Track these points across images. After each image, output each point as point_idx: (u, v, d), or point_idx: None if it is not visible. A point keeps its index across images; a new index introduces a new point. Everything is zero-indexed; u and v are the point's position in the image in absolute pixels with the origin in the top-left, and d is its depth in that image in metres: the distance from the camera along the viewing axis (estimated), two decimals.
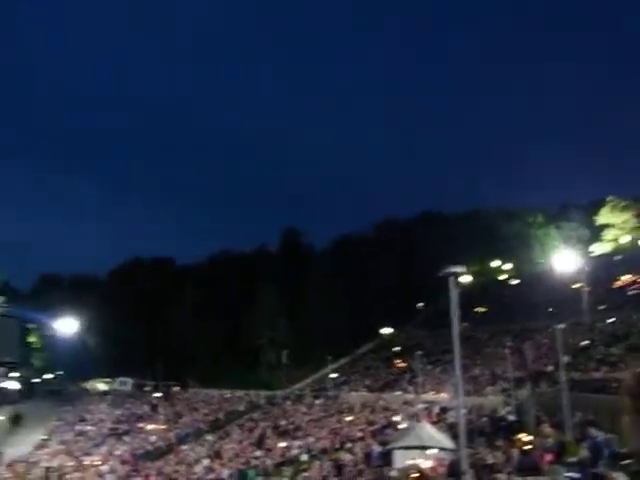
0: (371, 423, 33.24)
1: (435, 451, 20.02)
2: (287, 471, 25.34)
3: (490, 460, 15.92)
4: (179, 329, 65.97)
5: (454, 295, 10.43)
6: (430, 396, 38.17)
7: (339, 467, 23.38)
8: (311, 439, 31.29)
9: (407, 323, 66.24)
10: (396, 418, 33.35)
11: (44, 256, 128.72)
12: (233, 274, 74.37)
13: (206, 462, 28.02)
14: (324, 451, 28.98)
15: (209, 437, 36.10)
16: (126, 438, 36.83)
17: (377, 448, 25.31)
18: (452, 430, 22.46)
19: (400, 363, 54.49)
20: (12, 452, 33.30)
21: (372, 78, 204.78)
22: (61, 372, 66.55)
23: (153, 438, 36.21)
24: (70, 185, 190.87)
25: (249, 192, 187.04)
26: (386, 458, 22.60)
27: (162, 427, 39.56)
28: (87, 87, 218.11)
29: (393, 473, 19.89)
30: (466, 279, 55.44)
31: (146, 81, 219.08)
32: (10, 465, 28.22)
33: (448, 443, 19.84)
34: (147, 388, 60.62)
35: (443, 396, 36.74)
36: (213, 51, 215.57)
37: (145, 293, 70.88)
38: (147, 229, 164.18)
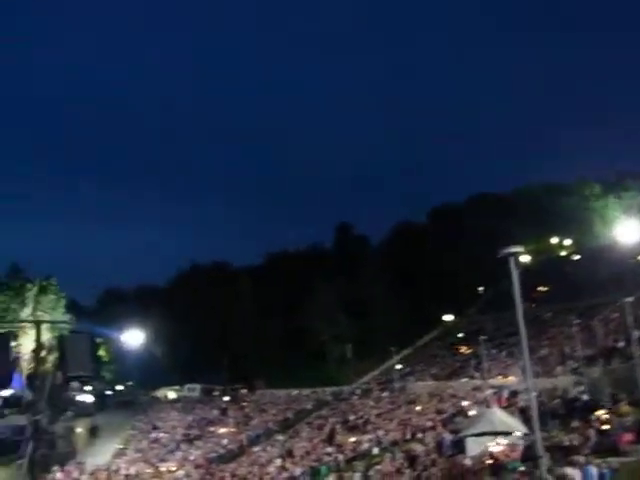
0: (440, 412, 32.93)
1: (508, 436, 19.64)
2: (359, 465, 25.25)
3: (566, 442, 15.50)
4: (242, 332, 66.69)
5: (515, 276, 10.19)
6: (498, 381, 37.59)
7: (411, 458, 23.18)
8: (381, 432, 31.18)
9: (468, 308, 65.37)
10: (465, 405, 32.97)
11: (107, 271, 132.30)
12: (290, 273, 74.74)
13: (278, 462, 28.22)
14: (395, 443, 28.82)
15: (279, 437, 36.38)
16: (198, 443, 37.45)
17: (448, 437, 25.01)
18: (524, 414, 22.03)
19: (465, 349, 53.87)
20: (92, 461, 34.37)
21: (415, 67, 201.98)
22: (131, 383, 68.17)
23: (225, 441, 36.72)
24: (129, 197, 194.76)
25: (300, 190, 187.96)
26: (458, 446, 22.31)
27: (232, 430, 40.08)
28: (145, 96, 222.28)
29: (467, 461, 19.60)
30: (525, 259, 54.27)
31: (190, 83, 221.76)
32: (92, 473, 29.11)
33: (521, 427, 19.44)
34: (215, 393, 61.47)
35: (511, 380, 36.13)
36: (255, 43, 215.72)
37: (205, 298, 71.84)
38: (203, 235, 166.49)
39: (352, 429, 34.46)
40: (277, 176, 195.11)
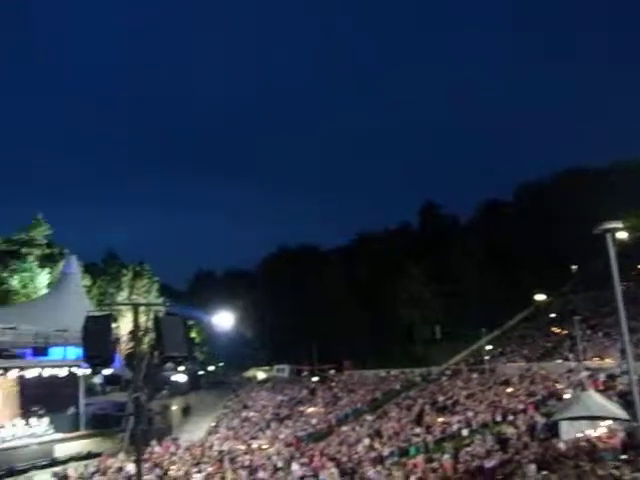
0: (532, 394, 32.06)
1: (606, 422, 18.81)
2: (448, 447, 24.96)
3: None
4: (331, 313, 67.12)
5: (612, 253, 9.64)
6: (593, 363, 36.18)
7: (502, 441, 22.68)
8: (470, 413, 30.68)
9: (561, 288, 63.15)
10: (559, 388, 31.96)
11: (198, 256, 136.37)
12: (378, 254, 74.48)
13: (367, 441, 28.25)
14: (485, 425, 28.31)
15: (368, 417, 36.43)
16: (288, 422, 38.06)
17: (541, 420, 24.32)
18: (623, 398, 21.06)
19: (558, 330, 52.21)
20: (187, 437, 35.75)
21: (496, 48, 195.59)
22: (222, 363, 70.20)
23: (314, 421, 37.13)
24: (220, 183, 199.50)
25: (385, 171, 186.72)
26: (552, 430, 21.64)
27: (321, 410, 40.49)
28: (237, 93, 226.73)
29: (561, 445, 18.96)
30: (622, 235, 51.69)
31: (275, 76, 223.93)
32: (187, 449, 30.18)
33: (621, 413, 18.52)
34: (304, 373, 62.34)
35: (608, 362, 34.68)
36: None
37: (294, 281, 72.76)
38: (291, 217, 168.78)
39: (441, 410, 34.09)
40: (363, 158, 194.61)
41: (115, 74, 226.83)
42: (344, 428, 34.39)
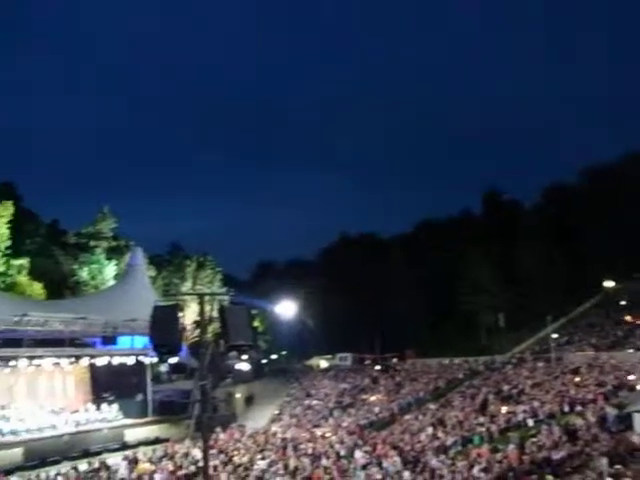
0: (601, 384, 31.14)
1: None
2: (514, 437, 24.51)
3: None
4: (393, 301, 66.80)
5: None
6: None
7: (571, 432, 22.13)
8: (536, 403, 30.04)
9: (633, 274, 60.90)
10: (631, 378, 30.96)
11: (260, 245, 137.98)
12: (440, 241, 73.54)
13: (430, 430, 28.07)
14: (551, 415, 27.66)
15: (431, 406, 36.18)
16: (350, 410, 38.18)
17: (612, 411, 23.62)
18: None
19: (629, 318, 50.56)
20: (251, 425, 36.37)
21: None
22: (285, 352, 70.90)
23: (376, 409, 37.12)
24: (281, 173, 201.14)
25: (446, 157, 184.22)
26: (625, 422, 20.99)
27: (384, 398, 40.43)
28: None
29: (635, 438, 18.37)
30: None
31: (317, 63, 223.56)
32: (251, 436, 30.70)
33: None
34: (366, 362, 62.32)
35: None
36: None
37: (355, 269, 72.67)
38: (352, 206, 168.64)
39: (506, 399, 33.52)
40: (423, 146, 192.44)
41: (178, 68, 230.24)
42: (407, 417, 34.27)
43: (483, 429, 27.03)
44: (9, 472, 25.62)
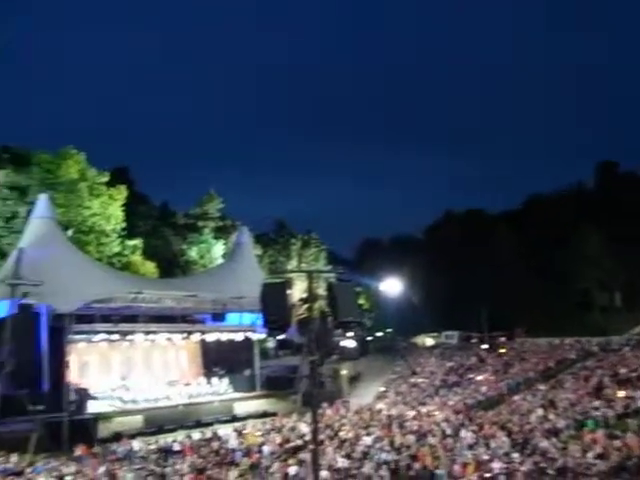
0: None
1: None
2: (633, 424, 23.25)
3: None
4: (500, 279, 65.11)
5: None
6: None
7: None
8: None
9: None
10: None
11: (364, 222, 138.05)
12: (550, 216, 70.69)
13: (540, 412, 27.17)
14: None
15: (541, 387, 35.01)
16: (457, 389, 37.66)
17: None
18: None
19: None
20: (356, 401, 36.68)
21: None
22: (390, 329, 70.78)
23: (483, 388, 36.40)
24: (383, 151, 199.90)
25: (553, 130, 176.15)
26: None
27: (491, 377, 39.58)
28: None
29: None
30: None
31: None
32: (357, 412, 30.98)
33: None
34: (473, 340, 61.22)
35: None
36: None
37: (461, 246, 71.32)
38: (457, 182, 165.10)
39: (623, 383, 31.78)
40: (528, 120, 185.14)
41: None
42: (515, 397, 33.38)
43: (598, 413, 25.81)
44: (132, 436, 27.35)
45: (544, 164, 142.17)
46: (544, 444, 20.79)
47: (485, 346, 54.32)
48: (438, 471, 18.72)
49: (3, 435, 25.28)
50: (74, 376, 30.78)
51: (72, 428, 26.87)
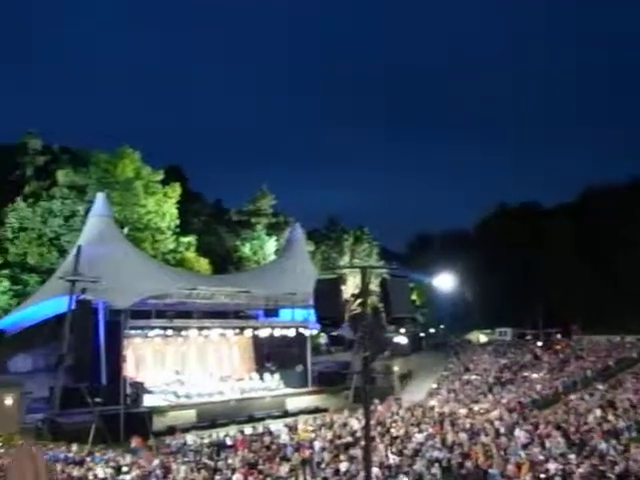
0: None
1: None
2: None
3: None
4: (556, 274, 63.68)
5: None
6: None
7: None
8: None
9: None
10: None
11: (417, 217, 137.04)
12: (609, 209, 68.61)
13: (598, 412, 26.44)
14: None
15: (599, 386, 34.12)
16: (510, 387, 37.01)
17: None
18: None
19: None
20: (408, 398, 36.45)
21: None
22: (443, 326, 70.09)
23: (538, 387, 35.67)
24: (442, 146, 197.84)
25: (608, 121, 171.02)
26: None
27: (546, 376, 38.77)
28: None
29: None
30: None
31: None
32: (409, 409, 30.76)
33: None
34: (528, 337, 60.13)
35: None
36: None
37: (515, 240, 70.04)
38: (511, 176, 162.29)
39: None
40: (587, 106, 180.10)
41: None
42: (572, 396, 32.60)
43: None
44: (185, 430, 27.88)
45: (602, 155, 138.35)
46: (603, 446, 20.22)
47: (540, 343, 53.25)
48: (491, 470, 18.41)
49: (64, 426, 26.25)
50: (130, 370, 31.54)
51: (128, 421, 27.56)
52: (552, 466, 18.13)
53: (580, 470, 17.75)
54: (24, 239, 42.45)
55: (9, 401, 26.91)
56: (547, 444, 20.92)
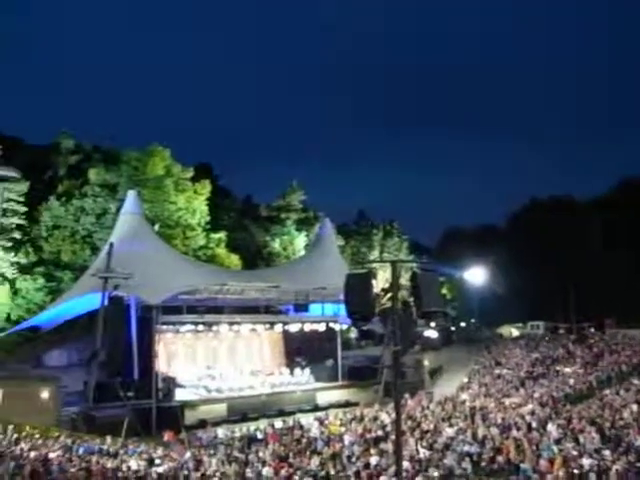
0: None
1: None
2: None
3: None
4: (590, 267, 62.67)
5: None
6: None
7: None
8: None
9: None
10: None
11: (447, 211, 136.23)
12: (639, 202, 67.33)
13: (634, 408, 25.93)
14: None
15: (635, 381, 33.49)
16: (543, 381, 36.52)
17: None
18: None
19: None
20: (439, 392, 36.29)
21: None
22: (474, 320, 69.53)
23: (571, 381, 35.15)
24: (472, 141, 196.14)
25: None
26: None
27: (579, 370, 38.19)
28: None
29: None
30: None
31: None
32: (439, 403, 30.62)
33: None
34: (560, 331, 59.34)
35: None
36: None
37: (548, 234, 69.09)
38: (542, 169, 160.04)
39: None
40: (620, 98, 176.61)
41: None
42: (606, 391, 32.05)
43: None
44: (216, 424, 28.16)
45: (633, 148, 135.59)
46: (639, 442, 19.86)
47: (573, 337, 52.51)
48: (523, 465, 18.24)
49: (98, 419, 26.72)
50: (162, 365, 31.92)
51: (160, 414, 27.99)
52: (586, 462, 17.87)
53: (616, 467, 17.46)
54: (58, 237, 43.24)
55: (45, 395, 27.45)
56: (581, 439, 20.61)
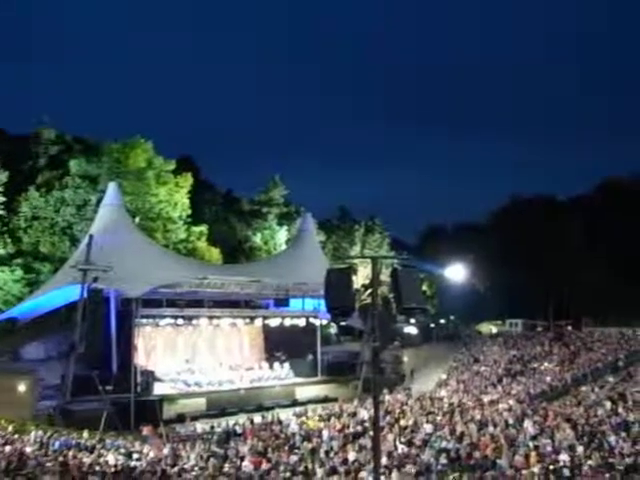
0: None
1: None
2: None
3: None
4: (568, 266, 63.31)
5: None
6: None
7: None
8: None
9: None
10: None
11: (428, 209, 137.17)
12: (627, 201, 67.99)
13: (608, 405, 26.36)
14: None
15: (609, 379, 34.01)
16: (520, 378, 36.94)
17: None
18: None
19: None
20: (417, 389, 36.52)
21: None
22: (453, 317, 69.93)
23: (548, 378, 35.61)
24: (450, 139, 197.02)
25: (624, 110, 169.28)
26: None
27: (556, 368, 38.66)
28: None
29: None
30: None
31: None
32: (418, 399, 30.84)
33: None
34: (538, 328, 59.93)
35: None
36: None
37: (528, 232, 69.59)
38: (523, 168, 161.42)
39: None
40: (595, 100, 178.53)
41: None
42: (582, 388, 32.51)
43: None
44: (195, 418, 28.14)
45: (617, 147, 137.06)
46: (612, 439, 20.15)
47: (550, 335, 53.07)
48: (499, 461, 18.42)
49: (76, 413, 26.54)
50: (141, 359, 31.73)
51: (138, 408, 27.86)
52: (561, 458, 18.10)
53: (589, 462, 17.72)
54: (37, 228, 42.74)
55: (22, 388, 27.24)
56: (556, 436, 20.86)
